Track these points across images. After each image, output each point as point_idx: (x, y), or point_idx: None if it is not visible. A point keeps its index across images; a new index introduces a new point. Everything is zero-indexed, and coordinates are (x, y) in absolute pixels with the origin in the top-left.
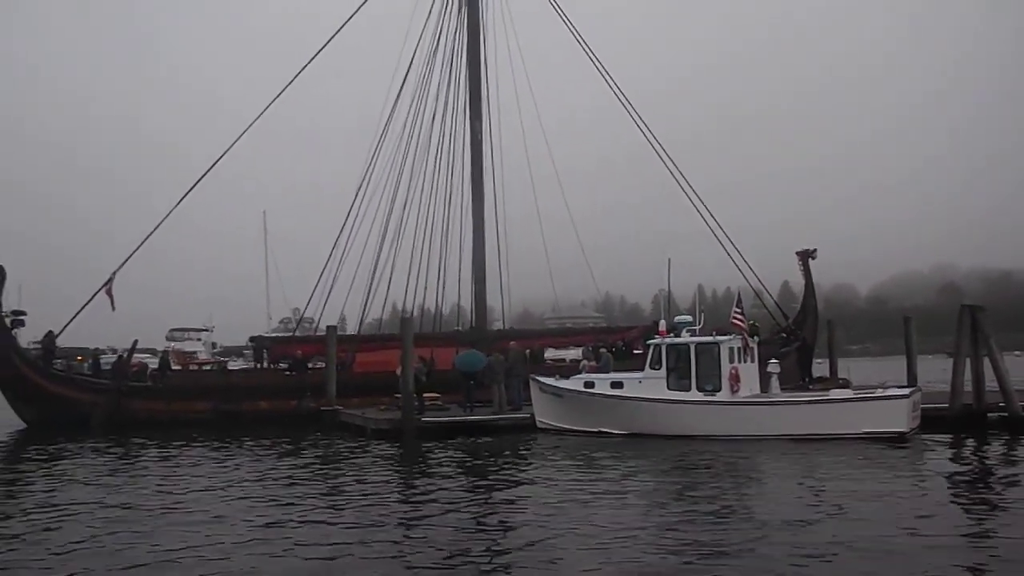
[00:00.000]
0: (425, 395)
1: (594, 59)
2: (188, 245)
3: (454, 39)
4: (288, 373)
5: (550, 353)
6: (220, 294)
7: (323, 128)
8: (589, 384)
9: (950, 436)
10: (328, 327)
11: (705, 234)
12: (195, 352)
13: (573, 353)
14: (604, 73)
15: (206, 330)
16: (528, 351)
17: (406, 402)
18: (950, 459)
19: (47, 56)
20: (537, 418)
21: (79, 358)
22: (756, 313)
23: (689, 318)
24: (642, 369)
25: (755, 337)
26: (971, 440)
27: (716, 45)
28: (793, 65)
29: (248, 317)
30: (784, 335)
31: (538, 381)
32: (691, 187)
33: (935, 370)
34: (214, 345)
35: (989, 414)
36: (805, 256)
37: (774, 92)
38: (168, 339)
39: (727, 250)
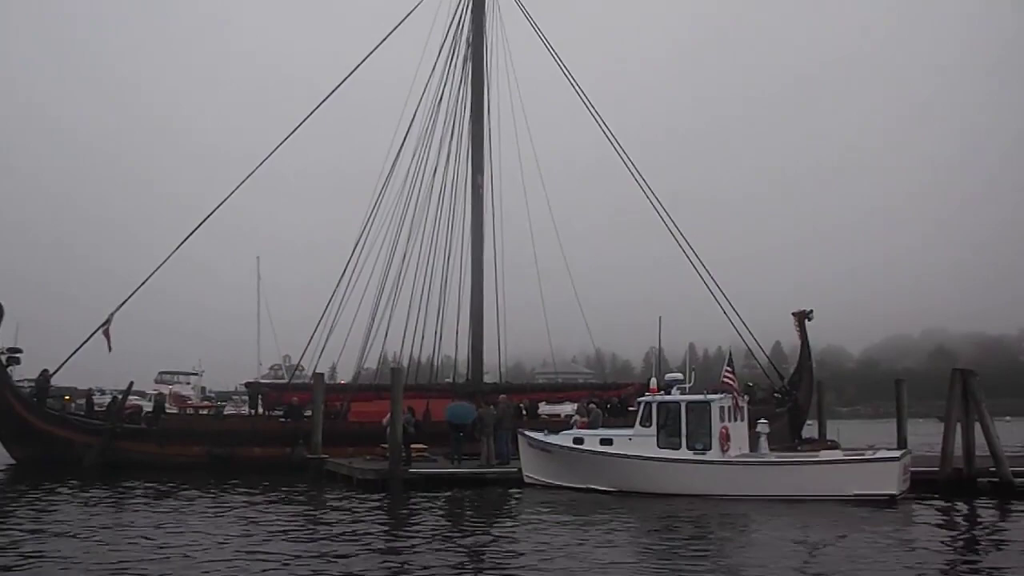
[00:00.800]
0: (412, 446)
1: (597, 117)
2: (179, 287)
3: (458, 92)
4: (283, 420)
5: (545, 408)
6: (209, 338)
7: (320, 178)
8: (578, 440)
9: (940, 500)
10: (315, 374)
11: (700, 293)
12: (188, 396)
13: (568, 408)
14: (608, 133)
15: (196, 374)
16: (521, 405)
17: (393, 453)
18: (941, 523)
19: (41, 93)
20: (525, 473)
21: (66, 398)
22: (751, 373)
23: (680, 376)
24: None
25: (745, 396)
26: (962, 504)
27: (720, 105)
28: (793, 136)
29: (238, 362)
30: (779, 395)
31: (526, 436)
32: (690, 246)
33: (925, 434)
34: (203, 389)
35: (980, 479)
36: (802, 317)
37: (769, 168)
38: (157, 381)
39: (723, 308)
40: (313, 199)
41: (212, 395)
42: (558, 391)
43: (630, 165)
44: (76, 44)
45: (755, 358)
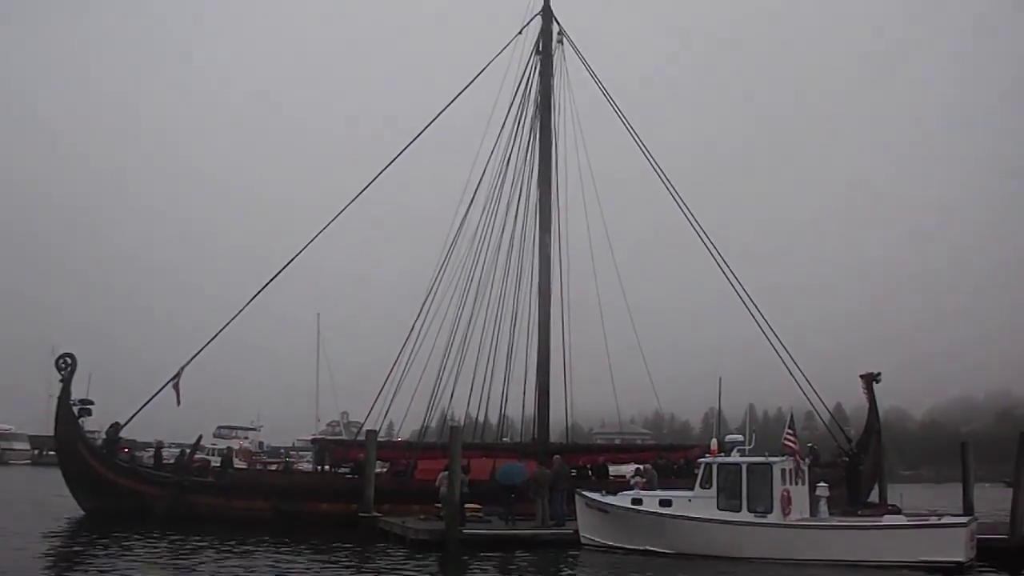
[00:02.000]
0: (467, 506)
1: (669, 186)
2: (238, 342)
3: (527, 151)
4: (349, 476)
5: (614, 470)
6: (267, 393)
7: (384, 236)
8: (637, 501)
9: (1009, 569)
10: (368, 431)
11: (760, 354)
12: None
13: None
14: (687, 212)
15: (253, 429)
16: (590, 467)
17: (450, 512)
18: None
19: (109, 154)
20: (582, 533)
21: (125, 449)
22: (811, 436)
23: (740, 438)
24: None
25: (807, 459)
26: None
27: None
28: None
29: (295, 418)
30: (847, 459)
31: (584, 496)
32: (758, 310)
33: (992, 499)
34: (261, 444)
35: None
36: (869, 379)
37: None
38: (216, 436)
39: (790, 369)
40: (377, 254)
41: (267, 450)
42: (624, 451)
43: (699, 230)
44: (136, 101)
45: (820, 419)
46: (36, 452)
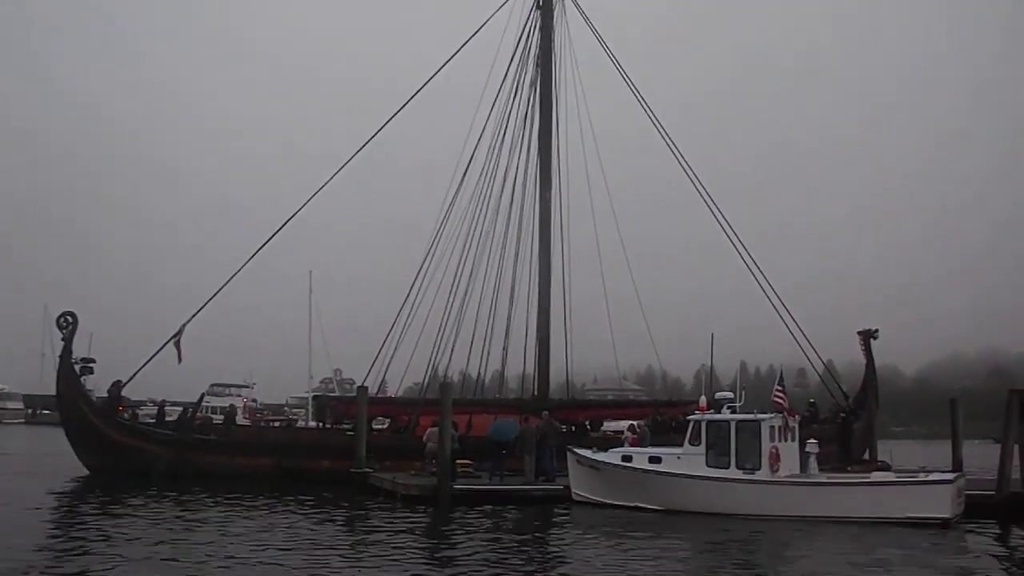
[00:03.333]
0: (458, 462)
1: (666, 137)
2: (229, 302)
3: (527, 108)
4: (351, 433)
5: (612, 425)
6: (259, 351)
7: (380, 193)
8: (627, 457)
9: (996, 524)
10: (359, 388)
11: (753, 310)
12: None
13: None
14: (679, 156)
15: (247, 386)
16: (589, 423)
17: (441, 468)
18: (995, 548)
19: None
20: (573, 489)
21: (119, 408)
22: (805, 392)
23: (730, 395)
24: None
25: (796, 416)
26: (1018, 529)
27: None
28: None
29: (288, 375)
30: (844, 415)
31: (575, 453)
32: (756, 264)
33: (982, 456)
34: (254, 402)
35: None
36: (867, 336)
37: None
38: (209, 393)
39: (788, 325)
40: (372, 211)
41: (261, 407)
42: (623, 407)
43: (697, 183)
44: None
45: (818, 374)
46: (30, 411)
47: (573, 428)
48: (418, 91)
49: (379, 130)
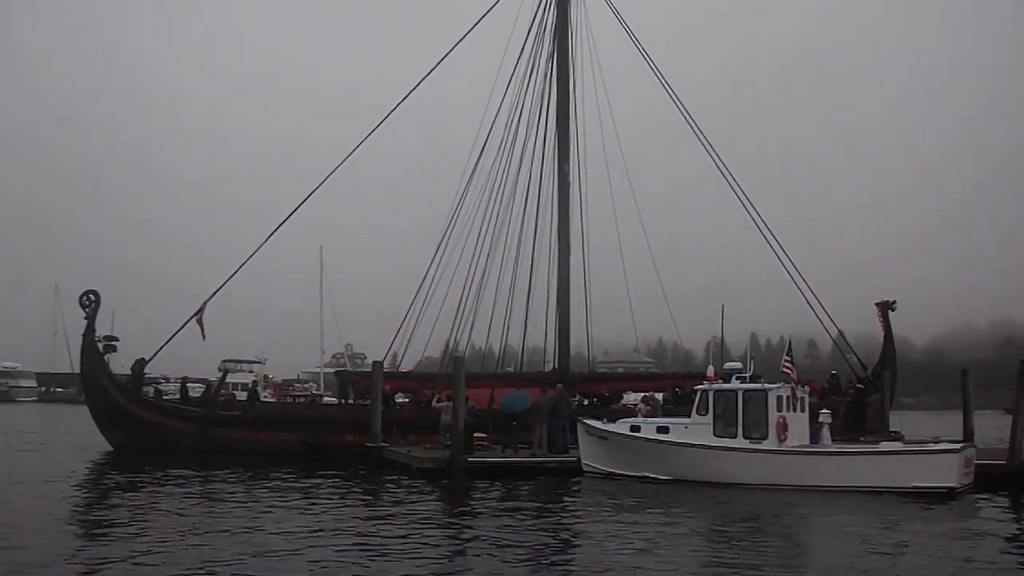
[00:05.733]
0: (474, 435)
1: (680, 107)
2: (240, 278)
3: (543, 82)
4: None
5: (631, 397)
6: (271, 327)
7: (391, 175)
8: (635, 428)
9: (1006, 494)
10: (374, 363)
11: (764, 280)
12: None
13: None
14: (694, 126)
15: (258, 362)
16: (609, 395)
17: (455, 441)
18: (1005, 517)
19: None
20: (583, 461)
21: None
22: (819, 364)
23: (739, 365)
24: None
25: (804, 387)
26: None
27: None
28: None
29: (299, 350)
30: (862, 385)
31: (585, 424)
32: (770, 231)
33: (993, 426)
34: (265, 377)
35: None
36: (885, 307)
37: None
38: (220, 369)
39: (805, 296)
40: (382, 195)
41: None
42: (643, 380)
43: (706, 143)
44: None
45: (835, 344)
46: (43, 389)
47: (595, 400)
48: (439, 63)
49: (401, 101)
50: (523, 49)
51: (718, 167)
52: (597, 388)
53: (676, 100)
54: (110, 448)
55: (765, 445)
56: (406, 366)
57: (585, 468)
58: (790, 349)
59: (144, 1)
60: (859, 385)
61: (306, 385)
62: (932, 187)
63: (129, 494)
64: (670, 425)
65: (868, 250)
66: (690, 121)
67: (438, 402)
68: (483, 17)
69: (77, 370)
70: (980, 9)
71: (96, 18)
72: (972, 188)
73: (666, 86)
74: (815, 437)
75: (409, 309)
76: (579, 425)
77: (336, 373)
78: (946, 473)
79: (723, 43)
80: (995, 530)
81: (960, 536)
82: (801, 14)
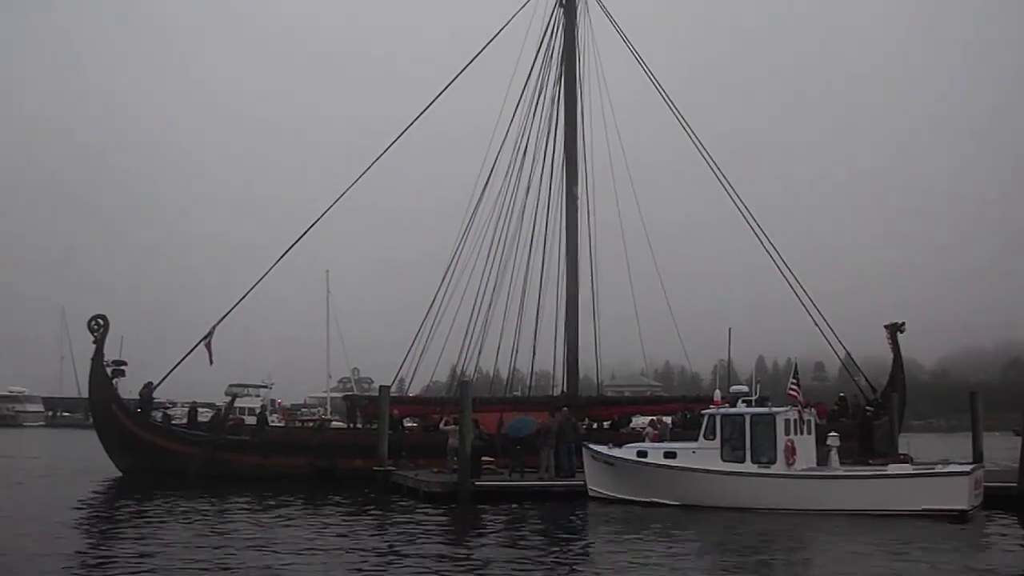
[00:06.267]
0: (482, 459)
1: (684, 124)
2: (246, 302)
3: (551, 105)
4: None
5: (640, 421)
6: (277, 351)
7: (399, 202)
8: (642, 453)
9: (1017, 515)
10: (381, 387)
11: (772, 304)
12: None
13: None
14: (698, 144)
15: (265, 386)
16: (617, 417)
17: (463, 465)
18: (1014, 539)
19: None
20: (589, 486)
21: (138, 410)
22: (826, 386)
23: (745, 389)
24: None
25: (811, 409)
26: None
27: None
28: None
29: (306, 375)
30: (870, 408)
31: (591, 449)
32: (779, 254)
33: (1002, 448)
34: (272, 402)
35: None
36: (894, 329)
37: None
38: (227, 394)
39: (814, 318)
40: (389, 220)
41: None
42: (651, 404)
43: (715, 168)
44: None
45: (843, 366)
46: (50, 414)
47: (605, 425)
48: (448, 85)
49: (409, 125)
50: (530, 74)
51: (727, 192)
52: (606, 412)
53: (684, 124)
54: (118, 473)
55: (774, 469)
56: (413, 391)
57: (591, 493)
58: (796, 372)
59: (149, 47)
60: (868, 408)
61: (314, 410)
62: (938, 211)
63: (138, 520)
64: (677, 450)
65: (873, 271)
66: (699, 146)
67: (445, 425)
68: (489, 43)
69: (84, 394)
70: (987, 28)
71: (105, 64)
72: (978, 212)
73: (673, 109)
74: (823, 460)
75: (418, 333)
76: (584, 450)
77: (344, 397)
78: (957, 495)
79: (735, 70)
80: (1010, 551)
81: (973, 558)
82: (814, 40)
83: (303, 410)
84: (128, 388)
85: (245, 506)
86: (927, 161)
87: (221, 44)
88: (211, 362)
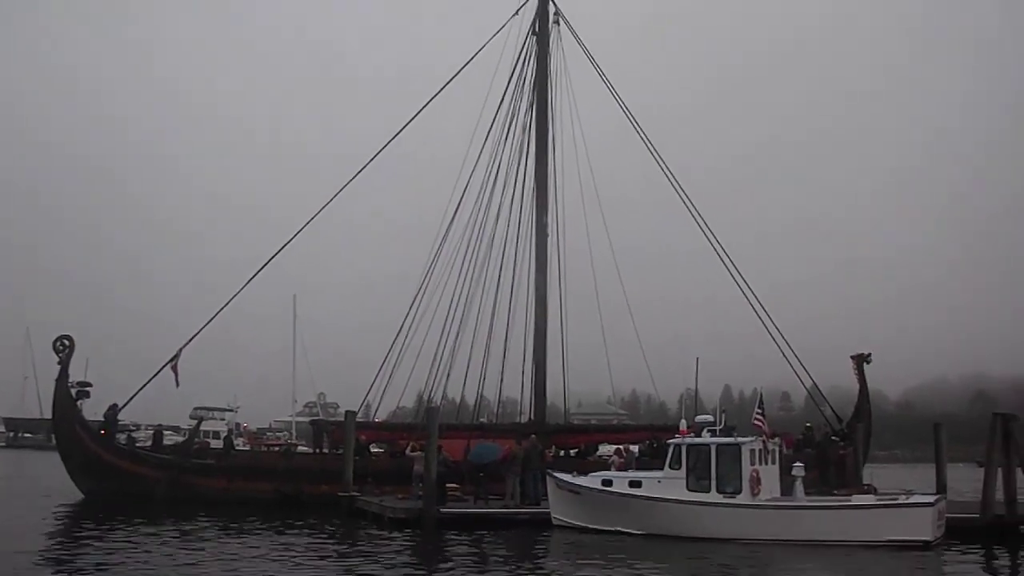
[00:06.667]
0: (447, 485)
1: (651, 148)
2: (212, 325)
3: (522, 133)
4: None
5: (605, 449)
6: (242, 375)
7: (366, 225)
8: (607, 482)
9: (979, 547)
10: (347, 412)
11: (737, 334)
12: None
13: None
14: (661, 163)
15: (230, 410)
16: (584, 447)
17: (427, 491)
18: (979, 571)
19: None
20: (553, 514)
21: (102, 432)
22: (792, 416)
23: (711, 418)
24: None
25: (776, 440)
26: (1002, 551)
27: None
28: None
29: (271, 399)
30: (836, 438)
31: (555, 477)
32: (745, 282)
33: (966, 479)
34: (237, 426)
35: (1021, 526)
36: (860, 360)
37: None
38: (192, 417)
39: (782, 350)
40: (359, 242)
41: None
42: (618, 432)
43: (686, 200)
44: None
45: (810, 395)
46: (11, 435)
47: (572, 453)
48: (418, 113)
49: (377, 153)
50: (502, 101)
51: (697, 222)
52: (573, 440)
53: (654, 152)
54: (80, 495)
55: (739, 499)
56: (380, 416)
57: (555, 521)
58: (761, 402)
59: (144, 62)
60: (834, 437)
61: (279, 434)
62: (906, 255)
63: (100, 543)
64: (642, 479)
65: (841, 306)
66: (669, 176)
67: (411, 451)
68: (461, 70)
69: (46, 415)
70: (984, 62)
71: (94, 76)
72: (953, 255)
73: (644, 138)
74: (788, 490)
75: (385, 359)
76: (548, 478)
77: (311, 422)
78: (921, 526)
79: (713, 100)
80: None
81: None
82: (798, 76)
83: (268, 434)
84: (93, 410)
85: (208, 531)
86: (909, 196)
87: (192, 50)
88: (177, 384)
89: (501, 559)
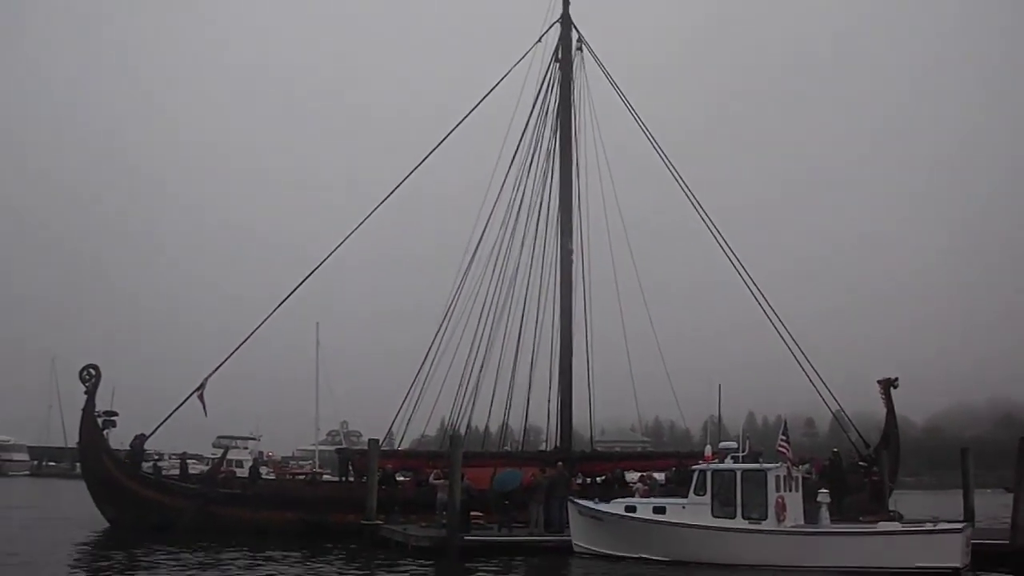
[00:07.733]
0: (471, 513)
1: (687, 191)
2: (237, 356)
3: (546, 160)
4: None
5: (633, 476)
6: (265, 404)
7: (395, 249)
8: (630, 508)
9: (1009, 574)
10: (370, 440)
11: (762, 360)
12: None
13: (658, 476)
14: (698, 207)
15: (253, 439)
16: (611, 474)
17: (451, 519)
18: None
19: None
20: (574, 541)
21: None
22: (816, 442)
23: (734, 444)
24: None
25: (803, 466)
26: None
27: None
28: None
29: (295, 427)
30: (863, 464)
31: (577, 504)
32: (772, 308)
33: (993, 505)
34: (262, 454)
35: None
36: (887, 385)
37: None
38: (216, 446)
39: (809, 376)
40: (383, 272)
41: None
42: (644, 459)
43: (711, 226)
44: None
45: (837, 421)
46: (36, 463)
47: (597, 480)
48: (437, 146)
49: (399, 185)
50: (526, 128)
51: (722, 248)
52: (599, 467)
53: (680, 180)
54: (105, 524)
55: (764, 525)
56: (404, 445)
57: (576, 548)
58: (786, 428)
59: (141, 98)
60: (862, 463)
61: (304, 463)
62: (931, 277)
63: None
64: (667, 505)
65: (867, 330)
66: (696, 205)
67: (435, 479)
68: (484, 98)
69: (71, 444)
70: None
71: (96, 106)
72: (972, 279)
73: (669, 165)
74: (813, 517)
75: (411, 388)
76: (570, 505)
77: (336, 451)
78: (950, 553)
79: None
80: None
81: None
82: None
83: (292, 463)
84: (120, 440)
85: (239, 560)
86: (928, 222)
87: (210, 95)
88: (205, 414)
89: None
